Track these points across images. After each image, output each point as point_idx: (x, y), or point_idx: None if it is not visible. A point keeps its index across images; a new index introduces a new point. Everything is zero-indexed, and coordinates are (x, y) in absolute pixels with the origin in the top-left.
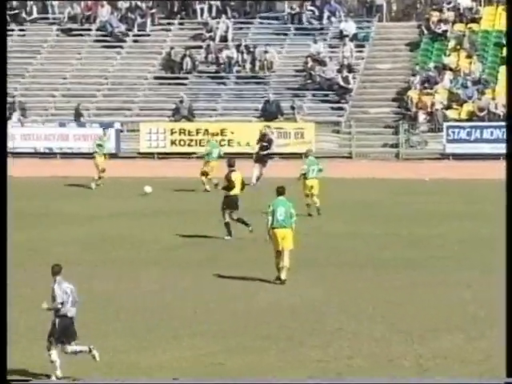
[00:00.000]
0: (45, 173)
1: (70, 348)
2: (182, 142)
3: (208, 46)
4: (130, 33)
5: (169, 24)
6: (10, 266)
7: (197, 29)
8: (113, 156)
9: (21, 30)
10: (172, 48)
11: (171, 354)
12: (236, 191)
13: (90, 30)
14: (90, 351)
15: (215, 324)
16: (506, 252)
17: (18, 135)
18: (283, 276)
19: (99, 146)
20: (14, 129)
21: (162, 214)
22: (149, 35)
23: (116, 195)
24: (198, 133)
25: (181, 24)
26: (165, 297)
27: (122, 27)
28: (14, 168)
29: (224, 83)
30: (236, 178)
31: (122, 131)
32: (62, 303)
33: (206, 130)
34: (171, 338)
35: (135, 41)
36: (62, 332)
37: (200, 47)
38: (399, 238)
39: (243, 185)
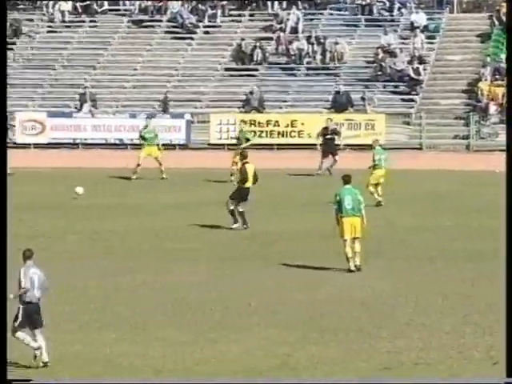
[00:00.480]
0: (115, 164)
1: (22, 336)
2: (252, 134)
3: (278, 37)
4: (201, 24)
5: (239, 15)
6: (70, 258)
7: (267, 20)
8: (183, 147)
9: (92, 22)
10: (243, 39)
11: (243, 346)
12: (249, 184)
13: (160, 21)
14: (38, 349)
15: (281, 315)
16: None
17: (89, 126)
18: (358, 261)
19: (143, 137)
20: (84, 120)
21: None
22: (219, 26)
23: (185, 186)
24: (268, 124)
25: (251, 15)
26: (227, 288)
27: (193, 19)
28: (84, 159)
29: (294, 74)
30: (249, 170)
31: (192, 122)
32: (25, 289)
33: (276, 122)
34: (238, 330)
35: (206, 32)
36: (26, 319)
37: (270, 38)
38: (469, 229)
39: (256, 177)
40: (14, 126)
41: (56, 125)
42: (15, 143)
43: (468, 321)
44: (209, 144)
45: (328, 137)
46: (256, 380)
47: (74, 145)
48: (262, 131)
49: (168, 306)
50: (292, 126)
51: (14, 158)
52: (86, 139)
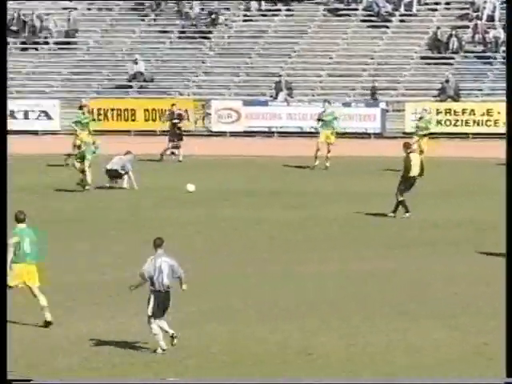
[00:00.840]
0: (309, 152)
1: (156, 330)
2: (447, 122)
3: (475, 25)
4: (397, 13)
5: (435, 3)
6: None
7: (463, 8)
8: (378, 136)
9: (288, 10)
10: (438, 28)
11: (437, 334)
12: (413, 173)
13: (356, 9)
14: (172, 337)
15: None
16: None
17: (284, 114)
18: None
19: (321, 119)
20: (279, 108)
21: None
22: (415, 15)
23: (379, 174)
24: (463, 113)
25: (447, 3)
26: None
27: (389, 7)
28: (279, 147)
29: (490, 63)
30: (414, 159)
31: (387, 111)
32: (150, 278)
33: (472, 110)
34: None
35: (401, 21)
36: (157, 307)
37: (467, 27)
38: None
39: (422, 167)
40: (210, 114)
41: (251, 113)
42: (211, 131)
43: None
44: (404, 133)
45: (174, 121)
46: (255, 380)
47: (269, 133)
48: (458, 120)
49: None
50: (488, 115)
51: (209, 146)
52: (281, 127)
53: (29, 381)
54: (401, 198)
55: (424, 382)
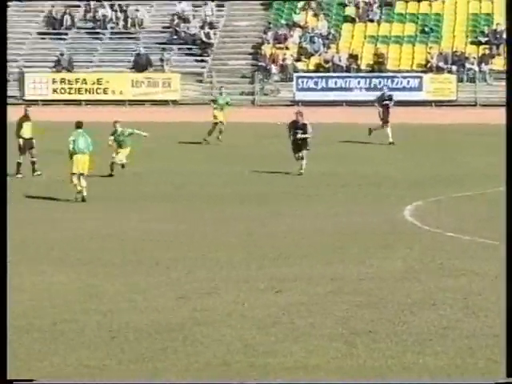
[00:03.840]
0: None
1: None
2: (62, 90)
3: (87, 5)
4: None
5: None
6: None
7: None
8: None
9: None
10: (53, 6)
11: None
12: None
13: None
14: None
15: None
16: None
17: None
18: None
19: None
20: None
21: None
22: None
23: None
24: (77, 82)
25: None
26: None
27: None
28: None
29: (100, 38)
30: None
31: (8, 80)
32: None
33: (84, 80)
34: None
35: (20, 0)
36: None
37: (78, 6)
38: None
39: None
40: None
41: None
42: None
43: (253, 256)
44: (24, 100)
45: None
46: (261, 381)
47: None
48: (72, 88)
49: None
50: (98, 84)
51: None
52: None
53: (30, 381)
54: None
55: (424, 382)
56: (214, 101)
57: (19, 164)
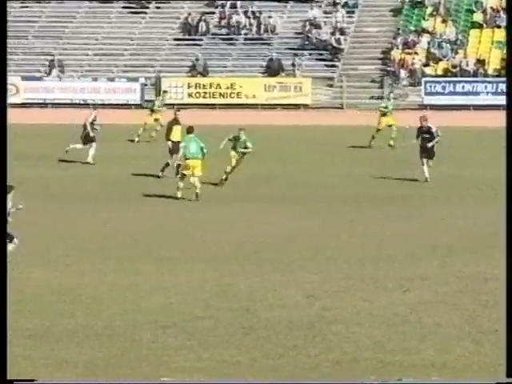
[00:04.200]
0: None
1: None
2: (197, 95)
3: (221, 11)
4: (153, 0)
5: None
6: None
7: None
8: (138, 106)
9: None
10: (189, 14)
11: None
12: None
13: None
14: None
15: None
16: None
17: (57, 88)
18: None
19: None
20: (53, 83)
21: None
22: (169, 2)
23: None
24: (210, 86)
25: None
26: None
27: None
28: (52, 116)
29: (234, 44)
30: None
31: (146, 85)
32: None
33: (218, 84)
34: None
35: (157, 7)
36: None
37: (213, 13)
38: (385, 177)
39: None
40: None
41: (28, 87)
42: None
43: (382, 255)
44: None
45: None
46: (257, 380)
47: (43, 104)
48: (206, 92)
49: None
50: (231, 88)
51: None
52: (54, 99)
53: (31, 381)
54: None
55: (424, 382)
56: (385, 107)
57: (167, 164)
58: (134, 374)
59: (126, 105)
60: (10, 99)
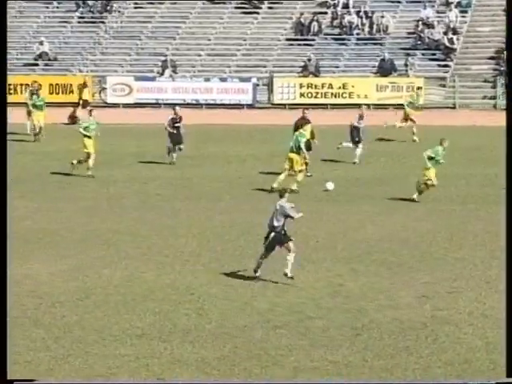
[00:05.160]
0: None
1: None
2: (309, 95)
3: (333, 12)
4: (265, 1)
5: None
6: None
7: None
8: (250, 106)
9: None
10: (302, 14)
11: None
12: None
13: None
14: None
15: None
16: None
17: (170, 88)
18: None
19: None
20: (165, 83)
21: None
22: (281, 3)
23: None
24: (323, 87)
25: None
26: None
27: None
28: (166, 117)
29: (346, 44)
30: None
31: (258, 85)
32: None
33: (330, 84)
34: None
35: (270, 7)
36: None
37: (325, 13)
38: (497, 177)
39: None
40: (106, 88)
41: (141, 87)
42: (106, 103)
43: (494, 255)
44: (272, 104)
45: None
46: (254, 380)
47: (157, 104)
48: (318, 92)
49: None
50: (344, 89)
51: (105, 116)
52: (167, 100)
53: (31, 381)
54: None
55: (424, 382)
56: (411, 103)
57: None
58: (244, 374)
59: (238, 105)
60: (123, 99)
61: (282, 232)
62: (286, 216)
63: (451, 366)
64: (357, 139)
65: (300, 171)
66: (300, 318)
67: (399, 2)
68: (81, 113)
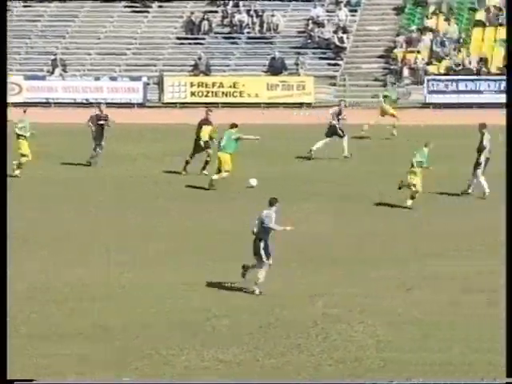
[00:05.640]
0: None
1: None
2: (200, 94)
3: (223, 10)
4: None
5: None
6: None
7: None
8: (140, 105)
9: None
10: (192, 13)
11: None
12: None
13: None
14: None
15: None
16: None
17: (60, 88)
18: None
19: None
20: (56, 82)
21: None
22: (171, 2)
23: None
24: (213, 85)
25: None
26: None
27: None
28: (56, 116)
29: (236, 43)
30: None
31: (148, 84)
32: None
33: (221, 83)
34: None
35: (160, 6)
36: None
37: (216, 12)
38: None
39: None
40: None
41: (31, 86)
42: None
43: (387, 253)
44: (162, 103)
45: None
46: (251, 380)
47: (46, 104)
48: (209, 91)
49: None
50: (234, 87)
51: None
52: (57, 99)
53: (30, 381)
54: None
55: (425, 382)
56: (386, 96)
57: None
58: (135, 373)
59: (128, 104)
60: (12, 98)
61: (261, 244)
62: (265, 225)
63: (342, 363)
64: (341, 134)
65: (226, 171)
66: (207, 316)
67: (289, 1)
68: None
